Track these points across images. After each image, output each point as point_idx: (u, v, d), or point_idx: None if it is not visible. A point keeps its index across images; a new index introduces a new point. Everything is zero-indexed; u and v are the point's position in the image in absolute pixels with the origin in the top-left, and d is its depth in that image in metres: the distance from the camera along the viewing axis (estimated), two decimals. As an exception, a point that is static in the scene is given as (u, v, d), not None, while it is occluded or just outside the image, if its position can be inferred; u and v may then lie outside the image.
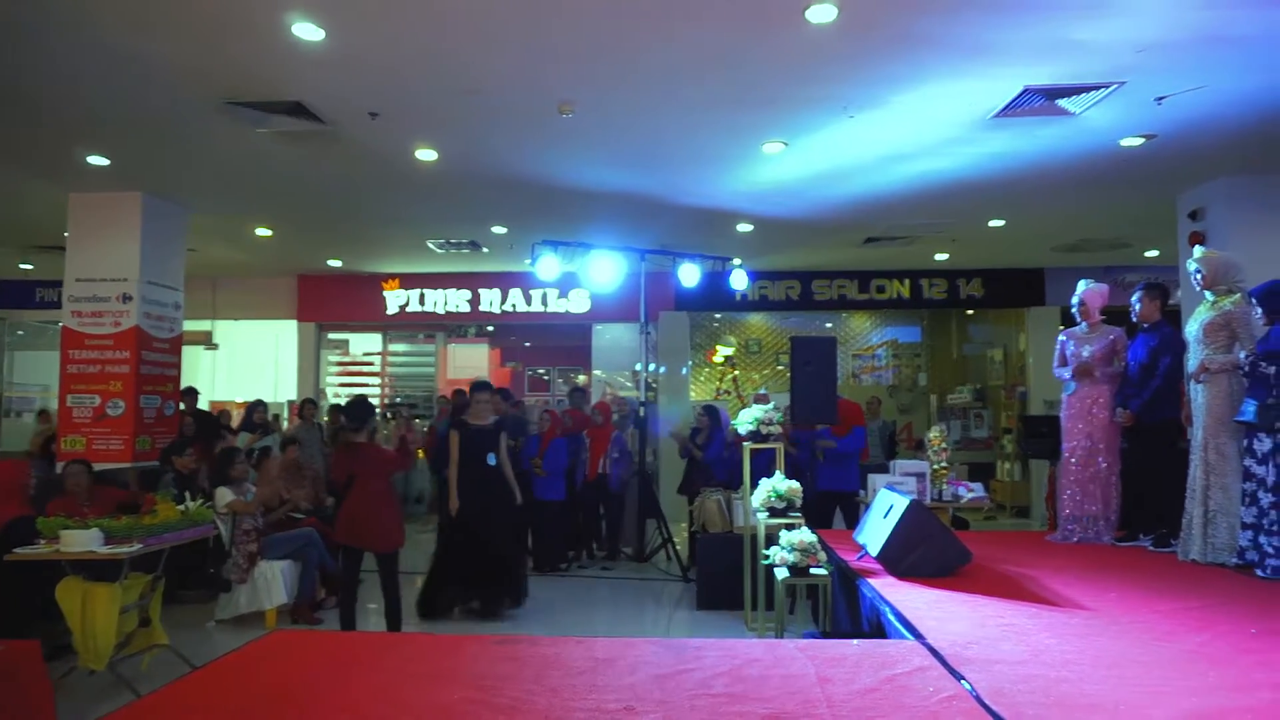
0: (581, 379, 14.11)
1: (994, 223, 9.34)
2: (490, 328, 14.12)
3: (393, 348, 13.54)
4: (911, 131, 6.41)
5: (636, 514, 8.83)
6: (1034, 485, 11.56)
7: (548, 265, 8.29)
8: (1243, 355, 4.87)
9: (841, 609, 5.01)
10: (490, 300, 12.57)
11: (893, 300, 12.36)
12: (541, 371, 15.58)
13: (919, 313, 13.50)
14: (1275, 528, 4.62)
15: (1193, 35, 4.86)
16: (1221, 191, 7.56)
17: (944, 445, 6.52)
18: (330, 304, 12.72)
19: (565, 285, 12.10)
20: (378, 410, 12.57)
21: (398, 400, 13.04)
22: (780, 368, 13.35)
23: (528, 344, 15.71)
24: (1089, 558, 5.27)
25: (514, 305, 12.55)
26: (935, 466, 6.49)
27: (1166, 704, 2.72)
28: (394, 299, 12.67)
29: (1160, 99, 5.70)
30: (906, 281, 12.28)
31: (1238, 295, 5.08)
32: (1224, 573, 4.77)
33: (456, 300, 12.61)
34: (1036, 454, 9.55)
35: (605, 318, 12.52)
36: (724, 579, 6.59)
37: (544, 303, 12.52)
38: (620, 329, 12.51)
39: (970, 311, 13.46)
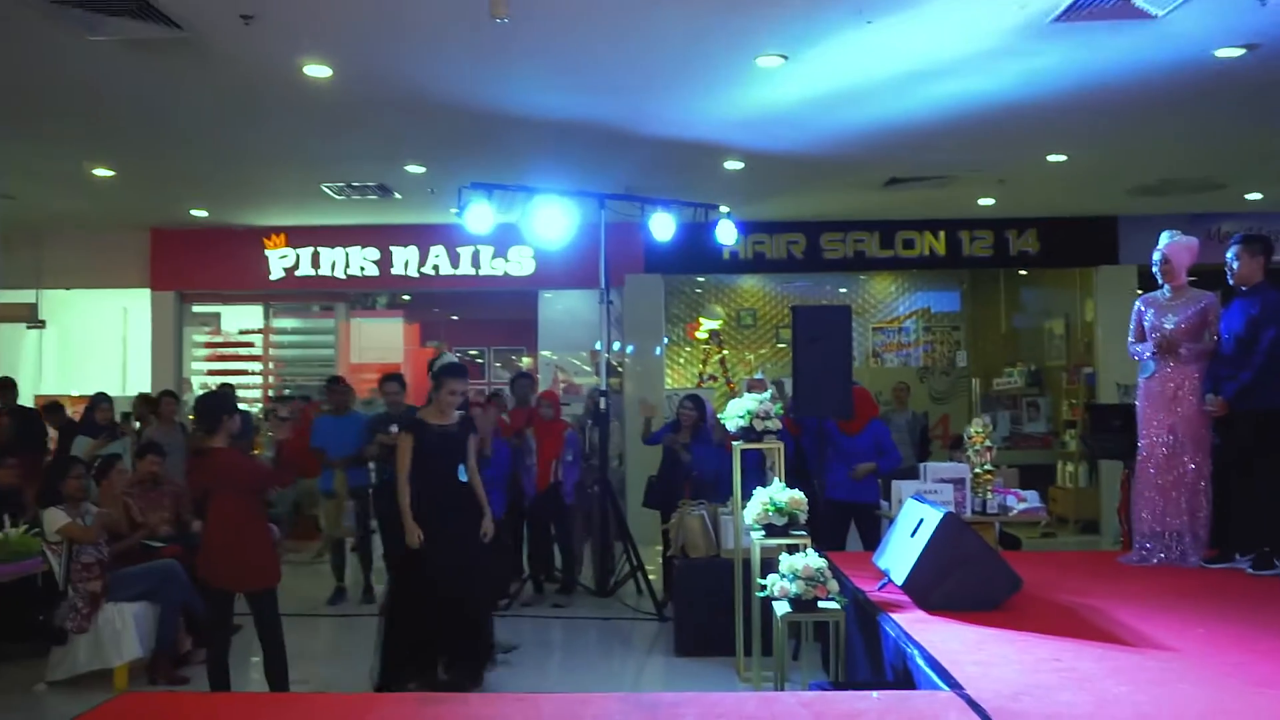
0: (525, 362, 14.10)
1: (1053, 158, 9.42)
2: (406, 297, 14.06)
3: (278, 324, 13.45)
4: (946, 41, 6.42)
5: (598, 534, 8.86)
6: (1104, 493, 11.74)
7: (479, 215, 8.24)
8: None
9: (859, 652, 5.06)
10: (405, 261, 12.50)
11: (924, 258, 12.46)
12: (474, 353, 15.54)
13: (957, 274, 13.62)
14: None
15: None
16: (1338, 117, 7.69)
17: (988, 443, 6.62)
18: (195, 268, 12.57)
19: (503, 242, 12.06)
20: (261, 405, 12.49)
21: (286, 392, 12.92)
22: (781, 345, 13.44)
23: (455, 317, 15.68)
24: (1171, 584, 5.36)
25: (436, 268, 12.49)
26: (977, 470, 6.58)
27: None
28: (279, 260, 12.55)
29: (1264, -2, 5.77)
30: (941, 234, 12.37)
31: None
32: (1339, 600, 4.88)
33: (361, 261, 12.52)
34: (1107, 454, 9.70)
35: (555, 283, 12.51)
36: (710, 616, 6.62)
37: (475, 264, 12.47)
38: (575, 298, 12.50)
39: (1023, 272, 13.61)
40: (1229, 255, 5.83)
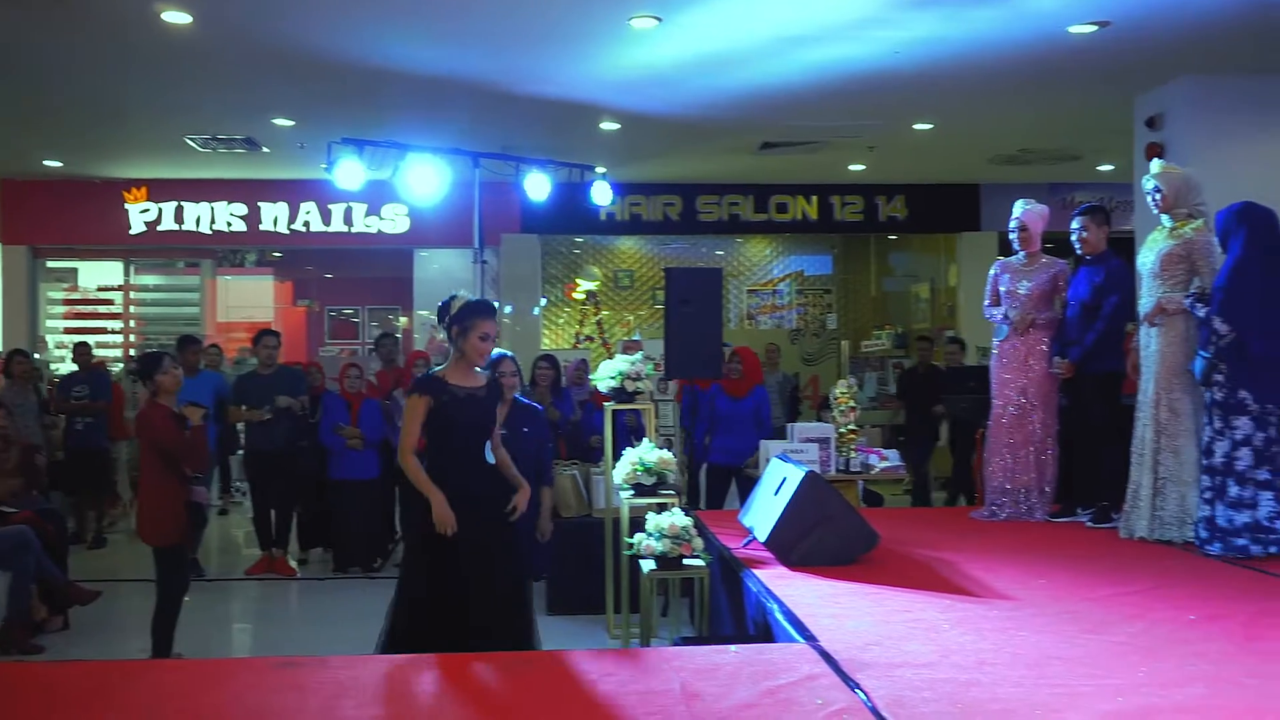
0: (403, 321, 13.92)
1: (920, 126, 9.67)
2: (277, 254, 13.71)
3: (140, 280, 13.02)
4: (816, 9, 6.52)
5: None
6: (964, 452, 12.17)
7: (349, 171, 8.06)
8: (1189, 295, 5.25)
9: (724, 608, 5.18)
10: (274, 217, 12.17)
11: (797, 222, 12.67)
12: (349, 312, 15.30)
13: (829, 239, 13.90)
14: (1208, 495, 5.05)
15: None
16: (1184, 94, 8.05)
17: (853, 404, 6.77)
18: (49, 221, 12.08)
19: (377, 199, 11.84)
20: (122, 365, 12.06)
21: (151, 351, 12.50)
22: (659, 307, 13.49)
23: (328, 275, 15.36)
24: (1018, 538, 5.62)
25: (307, 224, 12.20)
26: (842, 430, 6.74)
27: (1086, 706, 2.96)
28: (140, 214, 12.10)
29: (1114, -22, 6.00)
30: (814, 199, 12.60)
31: (1199, 221, 5.44)
32: (1169, 551, 5.18)
33: (227, 217, 12.15)
34: (964, 414, 10.04)
35: (431, 242, 12.36)
36: (581, 575, 6.69)
37: (348, 221, 12.22)
38: (451, 256, 12.37)
39: (892, 237, 13.97)
40: (1075, 225, 6.06)
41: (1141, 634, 3.70)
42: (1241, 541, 4.93)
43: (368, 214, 12.20)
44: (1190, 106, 8.02)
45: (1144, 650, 3.50)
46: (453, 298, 4.51)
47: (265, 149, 10.36)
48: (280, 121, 9.31)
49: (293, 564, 8.55)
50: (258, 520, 8.49)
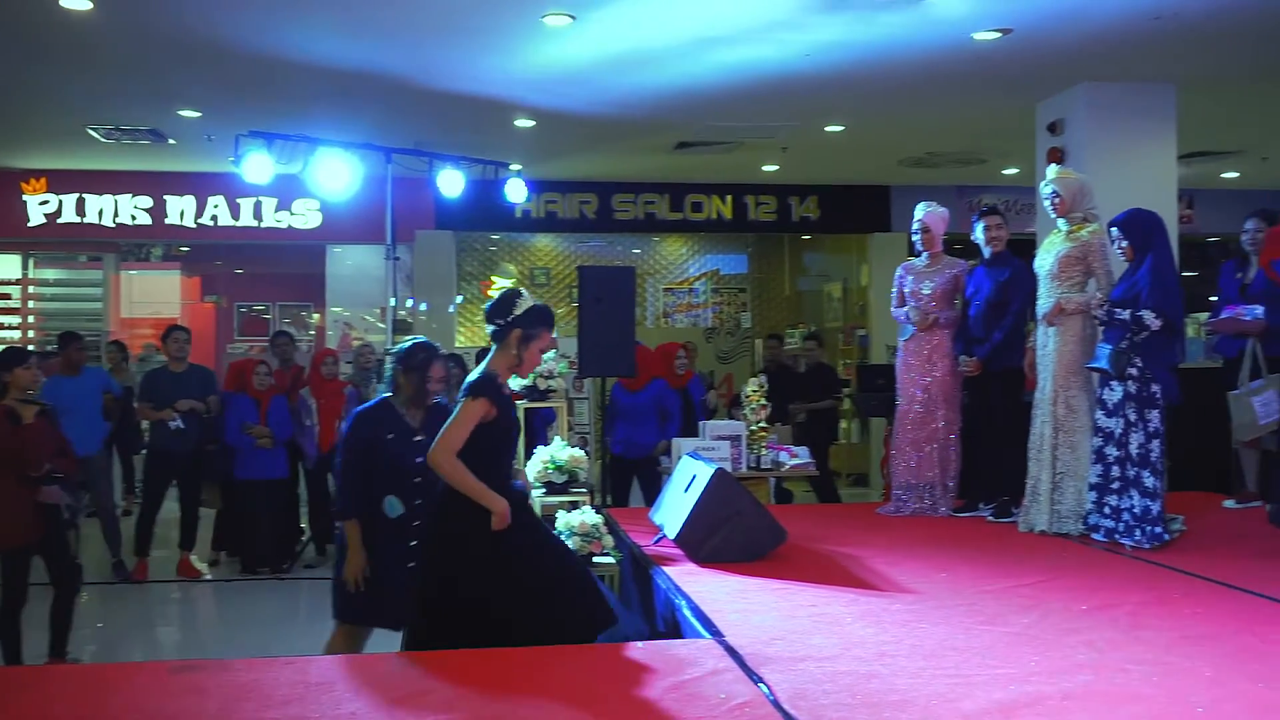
0: (315, 318, 13.69)
1: (831, 128, 9.80)
2: (184, 248, 13.38)
3: (40, 274, 12.55)
4: (729, 10, 6.57)
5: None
6: (873, 448, 12.41)
7: (258, 165, 7.92)
8: (1095, 300, 5.42)
9: (634, 605, 5.21)
10: (181, 211, 11.87)
11: (712, 221, 12.76)
12: (260, 308, 14.97)
13: (744, 238, 14.01)
14: (1116, 485, 5.23)
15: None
16: (1083, 100, 8.29)
17: (763, 401, 6.86)
18: (-59, 212, 11.59)
19: (288, 194, 11.62)
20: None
21: (49, 347, 12.12)
22: (575, 305, 13.46)
23: (238, 271, 15.02)
24: (922, 532, 5.75)
25: (215, 218, 11.92)
26: (753, 427, 6.82)
27: (980, 694, 3.06)
28: (39, 206, 11.70)
29: (1015, -14, 6.16)
30: (729, 199, 12.69)
31: (1095, 225, 5.63)
32: (1065, 544, 5.36)
33: (132, 210, 11.80)
34: (873, 411, 10.25)
35: (344, 238, 12.17)
36: (493, 574, 6.66)
37: (257, 216, 11.97)
38: (365, 252, 12.18)
39: (806, 237, 14.13)
40: (979, 227, 6.23)
41: (1035, 624, 3.82)
42: (1157, 529, 5.10)
43: (278, 209, 11.95)
44: (1089, 112, 8.26)
45: (1036, 640, 3.61)
46: (519, 295, 4.13)
47: (171, 140, 10.11)
48: (186, 113, 9.09)
49: (200, 566, 8.38)
50: (142, 523, 8.17)
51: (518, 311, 4.05)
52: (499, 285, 13.58)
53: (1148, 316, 5.12)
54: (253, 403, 8.19)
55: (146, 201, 11.82)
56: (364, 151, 8.41)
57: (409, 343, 4.83)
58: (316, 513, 8.88)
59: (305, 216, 11.99)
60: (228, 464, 8.20)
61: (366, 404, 4.84)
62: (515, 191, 9.25)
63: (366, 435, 4.59)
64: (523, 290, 4.17)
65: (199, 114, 9.11)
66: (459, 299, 12.95)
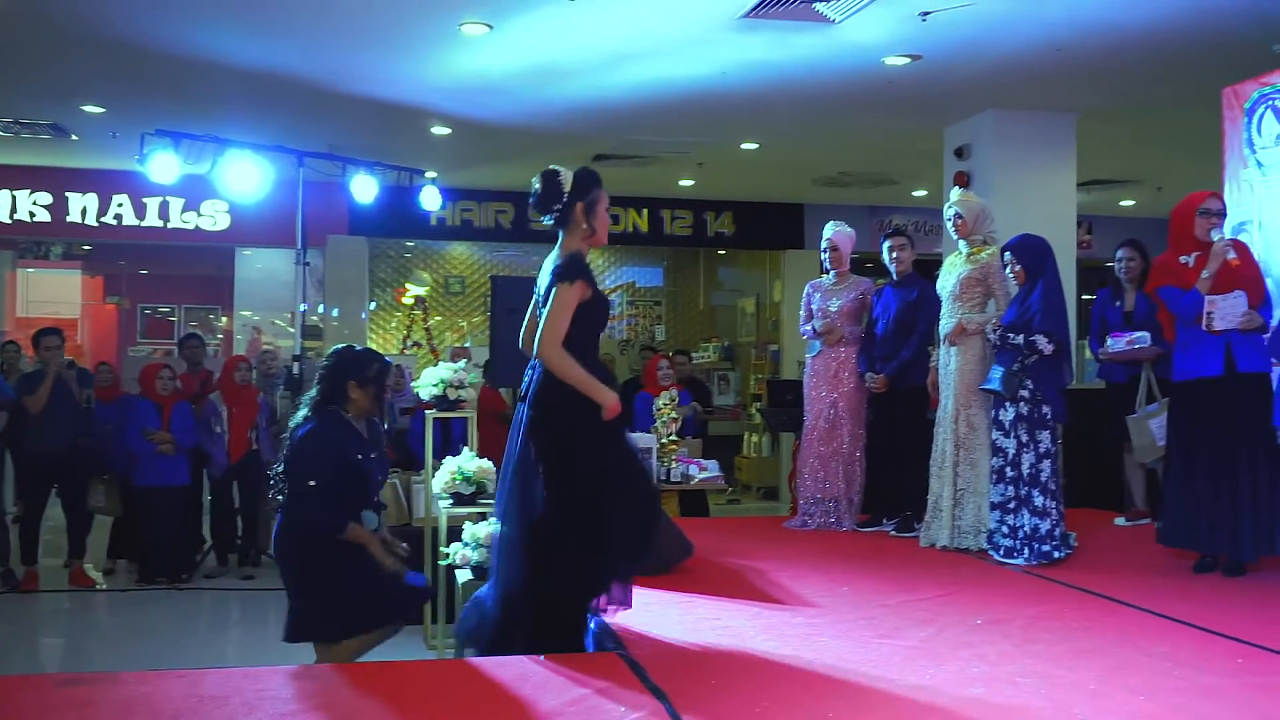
0: (223, 321, 13.42)
1: (746, 146, 9.92)
2: (86, 247, 13.00)
3: (-70, 271, 12.11)
4: (645, 26, 6.61)
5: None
6: (783, 463, 12.56)
7: (163, 164, 7.76)
8: (990, 326, 5.57)
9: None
10: (83, 209, 11.50)
11: (628, 234, 12.78)
12: (165, 310, 14.65)
13: (660, 251, 14.09)
14: (1012, 505, 5.37)
15: (956, -57, 5.41)
16: (989, 126, 8.53)
17: (673, 414, 6.89)
18: None
19: (196, 194, 11.35)
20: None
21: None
22: (489, 314, 13.42)
23: (143, 272, 14.69)
24: (826, 546, 5.85)
25: (119, 217, 11.57)
26: (664, 440, 6.85)
27: (873, 708, 3.11)
28: (-68, 200, 11.28)
29: (925, 15, 6.30)
30: (645, 212, 12.73)
31: (994, 247, 5.80)
32: (965, 559, 5.48)
33: (30, 206, 11.39)
34: (782, 426, 10.37)
35: (253, 241, 11.94)
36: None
37: (163, 216, 11.65)
38: (275, 256, 11.99)
39: (721, 252, 14.26)
40: (886, 246, 6.37)
41: (931, 638, 3.90)
42: (1046, 548, 5.25)
43: (185, 209, 11.64)
44: (994, 138, 8.50)
45: (931, 653, 3.69)
46: (557, 174, 3.86)
47: (74, 136, 9.80)
48: (90, 108, 8.83)
49: (95, 575, 8.13)
50: (25, 529, 7.93)
51: (567, 188, 3.85)
52: (412, 293, 13.45)
53: (1040, 341, 5.28)
54: (155, 407, 7.98)
55: (46, 198, 11.42)
56: (275, 154, 8.29)
57: (349, 351, 4.54)
58: (220, 522, 8.67)
59: (214, 218, 11.71)
60: (115, 461, 7.97)
61: (316, 421, 4.41)
62: (430, 199, 9.19)
63: (336, 452, 4.33)
64: (556, 168, 3.86)
65: (103, 110, 8.86)
66: (371, 305, 12.78)
